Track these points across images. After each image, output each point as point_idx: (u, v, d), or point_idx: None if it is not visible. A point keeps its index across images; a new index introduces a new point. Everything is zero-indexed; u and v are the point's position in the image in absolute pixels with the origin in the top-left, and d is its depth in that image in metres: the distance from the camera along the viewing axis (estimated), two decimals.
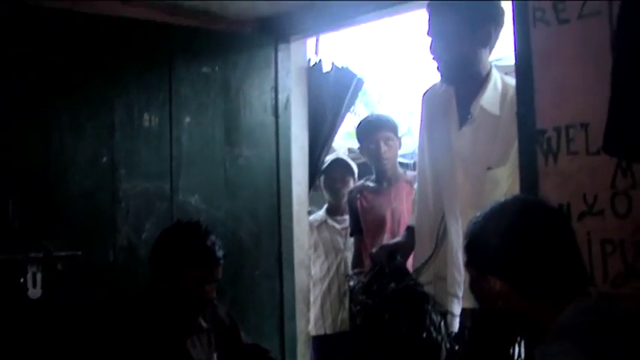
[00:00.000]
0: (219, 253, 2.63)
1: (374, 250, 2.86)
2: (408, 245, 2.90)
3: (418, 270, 2.73)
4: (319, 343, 4.21)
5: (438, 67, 2.69)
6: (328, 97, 4.14)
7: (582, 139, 2.26)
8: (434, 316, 2.44)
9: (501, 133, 2.61)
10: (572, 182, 2.28)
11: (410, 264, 2.89)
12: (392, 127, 3.95)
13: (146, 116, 3.31)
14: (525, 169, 2.41)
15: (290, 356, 3.83)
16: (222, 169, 3.57)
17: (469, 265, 1.84)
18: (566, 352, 1.54)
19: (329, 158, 4.37)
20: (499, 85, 2.68)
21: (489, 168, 2.60)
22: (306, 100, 4.07)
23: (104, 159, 3.18)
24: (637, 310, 2.10)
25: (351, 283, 2.66)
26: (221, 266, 2.64)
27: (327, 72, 4.14)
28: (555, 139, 2.32)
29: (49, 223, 3.02)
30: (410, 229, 2.96)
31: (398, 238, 3.06)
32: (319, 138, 4.16)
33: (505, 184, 2.60)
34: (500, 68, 4.00)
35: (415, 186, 3.14)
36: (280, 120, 3.81)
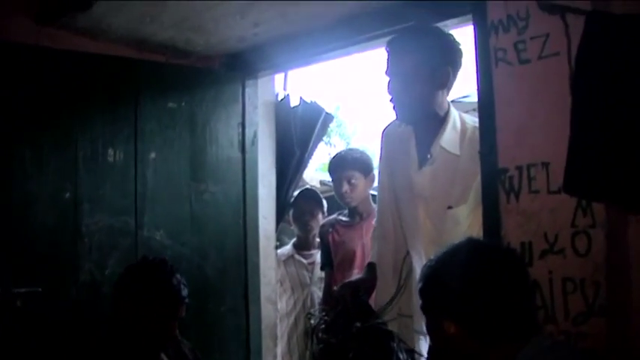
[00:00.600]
0: (184, 292, 2.63)
1: (336, 288, 2.85)
2: (370, 281, 2.89)
3: (383, 308, 2.72)
4: None
5: (394, 107, 2.71)
6: (296, 132, 4.14)
7: (543, 178, 2.28)
8: (400, 355, 2.42)
9: (461, 173, 2.64)
10: (533, 221, 2.30)
11: (372, 300, 2.88)
12: (358, 166, 3.90)
13: (111, 151, 3.28)
14: (488, 208, 2.43)
15: None
16: (188, 205, 3.54)
17: (424, 308, 1.84)
18: None
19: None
20: (458, 125, 2.70)
21: (450, 207, 2.62)
22: (274, 135, 4.07)
23: (67, 194, 3.14)
24: (597, 349, 2.11)
25: (312, 322, 2.62)
26: (184, 305, 2.63)
27: (295, 107, 4.15)
28: (517, 178, 2.34)
29: (9, 259, 2.96)
30: (371, 265, 2.96)
31: (360, 275, 3.05)
32: (287, 172, 4.16)
33: (465, 222, 2.62)
34: (466, 105, 4.07)
35: (374, 222, 3.14)
36: (247, 155, 3.81)
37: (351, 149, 4.19)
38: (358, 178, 3.87)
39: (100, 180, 3.25)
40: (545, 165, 2.27)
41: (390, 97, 2.69)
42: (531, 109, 2.33)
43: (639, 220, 2.06)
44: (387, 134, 2.94)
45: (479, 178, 2.51)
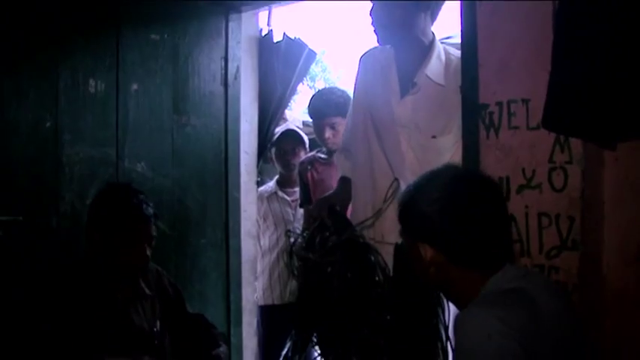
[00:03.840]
0: (148, 211, 2.61)
1: (311, 206, 2.83)
2: (345, 196, 2.89)
3: (361, 223, 2.66)
4: (267, 313, 4.24)
5: (375, 31, 2.69)
6: (279, 68, 4.12)
7: (523, 115, 2.30)
8: (378, 268, 2.37)
9: (446, 104, 2.64)
10: (512, 156, 2.33)
11: (349, 215, 2.87)
12: (339, 111, 3.82)
13: (92, 82, 3.25)
14: (467, 143, 2.45)
15: (235, 325, 3.86)
16: (170, 137, 3.54)
17: (402, 232, 1.86)
18: (482, 318, 1.58)
19: (280, 129, 4.36)
20: (442, 56, 2.71)
21: (434, 137, 2.63)
22: (257, 70, 4.06)
23: (48, 124, 3.11)
24: (568, 282, 2.17)
25: (292, 240, 2.58)
26: (151, 224, 2.62)
27: (278, 42, 4.12)
28: (497, 114, 2.36)
29: None
30: (345, 180, 2.95)
31: (333, 190, 3.03)
32: (269, 108, 4.15)
33: (449, 152, 2.65)
34: (452, 46, 4.04)
35: (341, 142, 3.11)
36: (229, 90, 3.80)
37: (331, 90, 4.11)
38: (340, 123, 3.82)
39: (81, 110, 3.22)
40: (525, 101, 2.29)
41: (372, 19, 2.67)
42: (513, 45, 2.34)
43: (616, 158, 2.09)
44: (365, 60, 2.92)
45: None
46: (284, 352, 2.41)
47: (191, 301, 3.01)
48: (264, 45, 4.11)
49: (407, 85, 2.70)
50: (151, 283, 2.76)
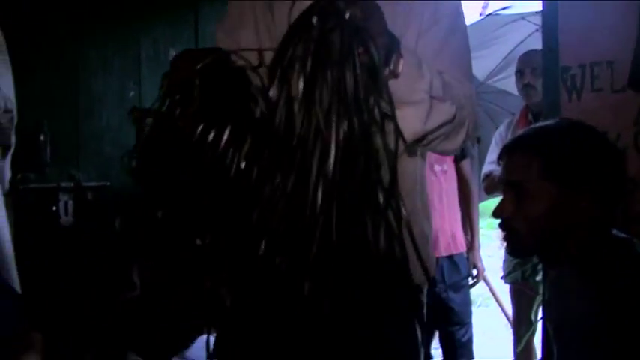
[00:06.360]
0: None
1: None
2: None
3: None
4: None
5: None
6: None
7: (607, 77, 2.25)
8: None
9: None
10: (595, 119, 2.26)
11: None
12: None
13: (172, 52, 3.33)
14: (549, 106, 2.43)
15: None
16: None
17: (553, 180, 1.63)
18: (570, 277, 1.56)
19: None
20: None
21: None
22: None
23: (132, 93, 3.22)
24: None
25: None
26: None
27: None
28: (580, 77, 2.32)
29: (79, 155, 3.08)
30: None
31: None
32: None
33: None
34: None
35: None
36: None
37: None
38: None
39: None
40: (610, 63, 2.25)
41: None
42: (596, 6, 2.30)
43: None
44: None
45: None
46: None
47: None
48: None
49: None
50: None
